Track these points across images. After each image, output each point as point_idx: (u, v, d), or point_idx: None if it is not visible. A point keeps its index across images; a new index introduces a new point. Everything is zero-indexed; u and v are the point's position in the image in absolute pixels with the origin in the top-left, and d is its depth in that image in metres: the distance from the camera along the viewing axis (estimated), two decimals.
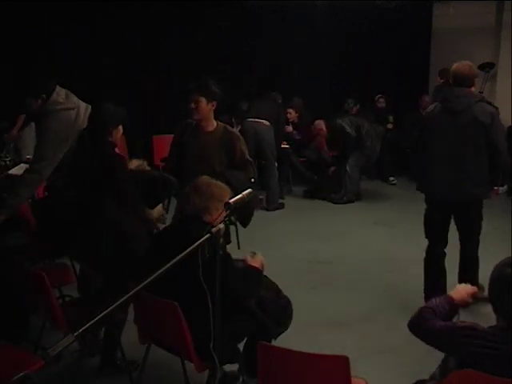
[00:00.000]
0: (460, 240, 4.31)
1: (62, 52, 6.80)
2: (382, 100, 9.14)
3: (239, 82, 8.43)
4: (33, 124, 6.47)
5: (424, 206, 4.36)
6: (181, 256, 2.06)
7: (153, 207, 3.70)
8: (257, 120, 7.23)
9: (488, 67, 8.79)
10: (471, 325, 2.22)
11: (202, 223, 2.79)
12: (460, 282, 4.01)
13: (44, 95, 3.62)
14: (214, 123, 3.94)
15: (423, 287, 4.39)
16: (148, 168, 3.76)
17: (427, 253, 4.39)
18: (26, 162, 5.72)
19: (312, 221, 6.86)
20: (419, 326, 2.35)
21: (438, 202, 4.22)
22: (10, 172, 5.48)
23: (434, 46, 10.04)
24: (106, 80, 7.17)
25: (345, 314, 4.39)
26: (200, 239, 2.36)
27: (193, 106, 3.81)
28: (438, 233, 4.31)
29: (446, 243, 4.32)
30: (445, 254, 4.34)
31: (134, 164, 3.70)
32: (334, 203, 7.66)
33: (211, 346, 2.39)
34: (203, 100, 3.80)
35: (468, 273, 4.20)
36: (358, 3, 8.80)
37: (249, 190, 2.38)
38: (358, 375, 2.43)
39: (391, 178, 8.92)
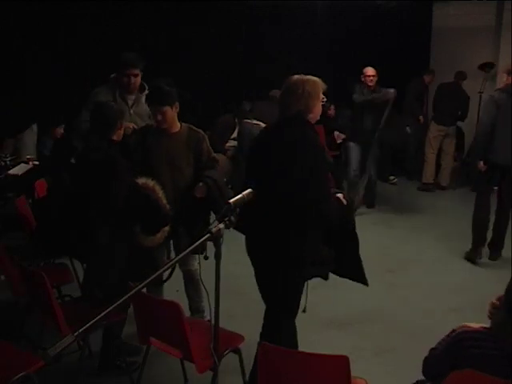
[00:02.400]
0: (499, 200, 5.50)
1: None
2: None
3: (240, 82, 8.44)
4: (33, 126, 6.54)
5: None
6: (182, 255, 2.06)
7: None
8: (254, 122, 7.34)
9: (488, 67, 8.81)
10: (463, 329, 2.21)
11: (304, 123, 2.96)
12: (494, 235, 5.60)
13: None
14: (178, 124, 3.74)
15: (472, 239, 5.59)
16: (156, 189, 3.47)
17: (475, 207, 5.60)
18: (25, 162, 5.74)
19: None
20: (428, 367, 2.36)
21: (497, 166, 5.31)
22: (10, 172, 5.49)
23: (433, 46, 10.04)
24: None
25: (345, 314, 4.39)
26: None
27: (159, 118, 3.61)
28: (485, 189, 5.55)
29: (489, 200, 5.58)
30: (489, 209, 5.55)
31: (141, 180, 3.47)
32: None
33: (211, 346, 2.39)
34: (168, 109, 3.61)
35: (501, 228, 5.55)
36: (358, 3, 8.80)
37: (249, 190, 2.37)
38: (357, 375, 2.43)
39: (391, 177, 8.92)
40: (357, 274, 3.31)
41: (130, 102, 4.24)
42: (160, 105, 3.59)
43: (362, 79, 7.12)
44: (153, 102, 3.64)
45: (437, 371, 2.27)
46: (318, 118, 3.10)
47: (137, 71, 4.19)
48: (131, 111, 4.22)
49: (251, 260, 3.16)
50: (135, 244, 3.43)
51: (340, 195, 3.15)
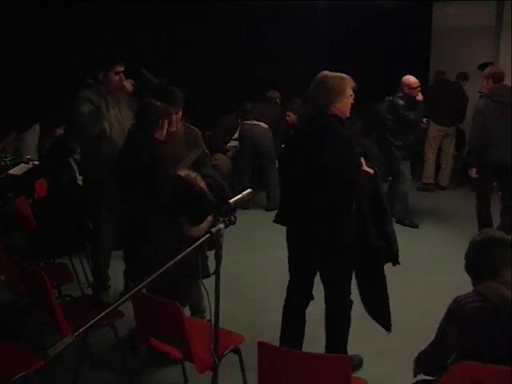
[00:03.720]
0: (502, 200, 5.77)
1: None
2: None
3: (240, 82, 8.44)
4: (36, 126, 6.55)
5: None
6: (182, 255, 2.06)
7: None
8: (255, 122, 7.34)
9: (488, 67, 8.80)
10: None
11: (326, 117, 3.03)
12: (500, 226, 5.62)
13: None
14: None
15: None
16: (198, 180, 3.49)
17: (477, 202, 5.86)
18: (26, 162, 5.75)
19: None
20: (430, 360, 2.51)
21: (492, 165, 5.53)
22: (10, 172, 5.50)
23: (433, 46, 10.04)
24: None
25: None
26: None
27: (175, 119, 3.67)
28: (485, 188, 5.79)
29: (489, 196, 5.83)
30: (489, 202, 5.80)
31: (183, 172, 3.49)
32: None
33: (212, 346, 2.38)
34: (179, 111, 3.70)
35: (506, 221, 5.63)
36: (358, 3, 8.80)
37: (249, 190, 2.37)
38: (358, 375, 2.43)
39: (390, 178, 8.89)
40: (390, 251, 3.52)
41: (117, 101, 4.30)
42: (176, 107, 3.64)
43: (406, 91, 6.26)
44: (171, 104, 3.64)
45: (442, 358, 2.32)
46: (348, 114, 3.14)
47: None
48: (116, 109, 4.27)
49: (295, 251, 3.37)
50: (182, 235, 3.43)
51: (365, 167, 3.18)
